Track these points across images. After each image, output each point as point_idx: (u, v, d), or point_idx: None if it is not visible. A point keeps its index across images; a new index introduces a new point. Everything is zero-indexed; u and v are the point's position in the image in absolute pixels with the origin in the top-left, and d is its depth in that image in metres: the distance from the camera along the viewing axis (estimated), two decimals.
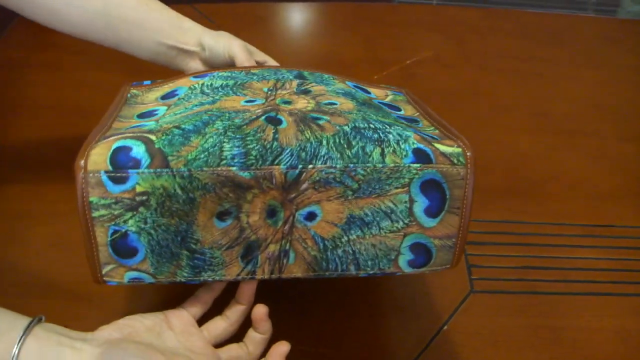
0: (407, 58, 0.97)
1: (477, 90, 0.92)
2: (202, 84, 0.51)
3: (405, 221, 0.43)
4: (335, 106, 0.47)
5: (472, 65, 0.98)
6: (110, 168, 0.39)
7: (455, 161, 0.42)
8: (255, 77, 0.53)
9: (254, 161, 0.40)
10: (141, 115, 0.47)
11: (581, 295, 0.60)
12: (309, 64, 0.92)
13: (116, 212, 0.40)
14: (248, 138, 0.41)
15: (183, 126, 0.41)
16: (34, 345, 0.39)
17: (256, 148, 0.40)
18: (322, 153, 0.41)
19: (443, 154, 0.42)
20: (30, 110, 0.80)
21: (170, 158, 0.39)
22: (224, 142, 0.40)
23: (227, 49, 0.61)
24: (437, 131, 0.47)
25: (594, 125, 0.86)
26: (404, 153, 0.42)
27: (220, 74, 0.54)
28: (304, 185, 0.41)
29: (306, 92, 0.49)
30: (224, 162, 0.40)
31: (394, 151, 0.42)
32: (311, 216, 0.42)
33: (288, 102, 0.46)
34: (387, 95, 0.55)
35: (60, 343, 0.39)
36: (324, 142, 0.41)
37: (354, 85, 0.55)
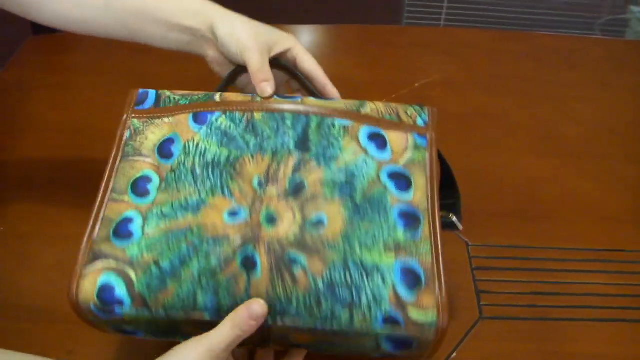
0: (415, 81, 0.97)
1: (485, 112, 0.92)
2: (196, 150, 0.49)
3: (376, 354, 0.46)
4: (320, 231, 0.45)
5: (480, 87, 0.98)
6: (97, 303, 0.43)
7: (427, 329, 0.42)
8: (252, 145, 0.49)
9: (226, 311, 0.43)
10: (134, 190, 0.48)
11: (590, 322, 0.59)
12: None
13: (109, 328, 0.47)
14: (220, 290, 0.43)
15: (161, 264, 0.44)
16: None
17: (228, 299, 0.43)
18: (292, 312, 0.43)
19: (415, 323, 0.42)
20: (38, 131, 0.81)
21: (149, 301, 0.43)
22: (197, 291, 0.43)
23: (241, 53, 0.55)
24: (437, 240, 0.45)
25: (602, 147, 0.86)
26: (374, 318, 0.42)
27: (218, 124, 0.50)
28: (274, 336, 0.45)
29: (298, 192, 0.47)
30: (198, 309, 0.43)
31: (364, 316, 0.42)
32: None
33: (273, 220, 0.45)
34: (405, 150, 0.49)
35: None
36: (294, 302, 0.43)
37: (369, 136, 0.49)
